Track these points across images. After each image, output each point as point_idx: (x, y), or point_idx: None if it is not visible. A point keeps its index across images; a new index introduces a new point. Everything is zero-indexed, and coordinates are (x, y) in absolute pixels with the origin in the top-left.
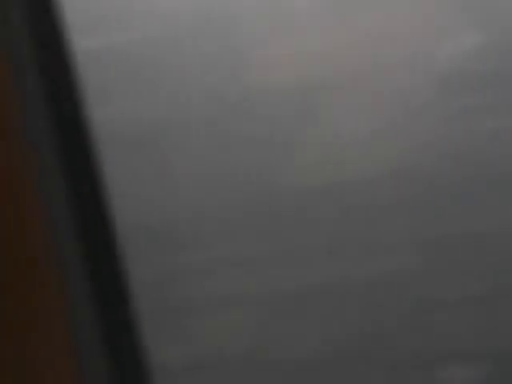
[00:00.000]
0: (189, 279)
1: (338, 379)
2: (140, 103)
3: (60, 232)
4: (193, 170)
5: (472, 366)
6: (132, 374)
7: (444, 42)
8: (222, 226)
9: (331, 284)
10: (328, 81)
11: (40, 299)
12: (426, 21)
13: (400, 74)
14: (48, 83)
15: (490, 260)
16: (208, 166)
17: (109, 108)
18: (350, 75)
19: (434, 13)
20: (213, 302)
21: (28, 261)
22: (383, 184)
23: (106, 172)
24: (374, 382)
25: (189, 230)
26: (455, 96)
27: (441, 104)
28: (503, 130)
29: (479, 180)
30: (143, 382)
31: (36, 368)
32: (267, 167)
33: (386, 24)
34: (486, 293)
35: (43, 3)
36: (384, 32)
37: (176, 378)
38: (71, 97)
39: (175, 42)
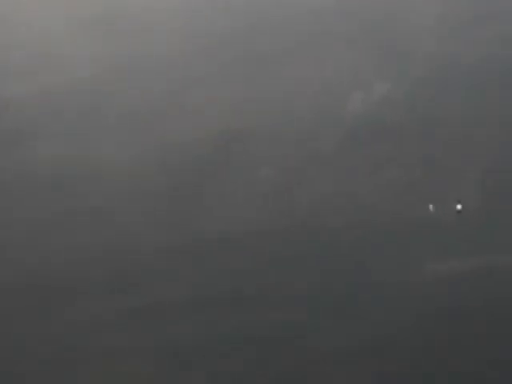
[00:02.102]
0: None
1: None
2: None
3: None
4: None
5: None
6: None
7: (354, 90)
8: None
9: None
10: (241, 131)
11: None
12: (337, 70)
13: (310, 122)
14: None
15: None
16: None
17: None
18: (263, 125)
19: (345, 62)
20: None
21: None
22: (288, 234)
23: None
24: None
25: None
26: (362, 146)
27: (348, 153)
28: (409, 181)
29: (382, 230)
30: None
31: None
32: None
33: (297, 74)
34: None
35: None
36: (295, 82)
37: None
38: None
39: None
